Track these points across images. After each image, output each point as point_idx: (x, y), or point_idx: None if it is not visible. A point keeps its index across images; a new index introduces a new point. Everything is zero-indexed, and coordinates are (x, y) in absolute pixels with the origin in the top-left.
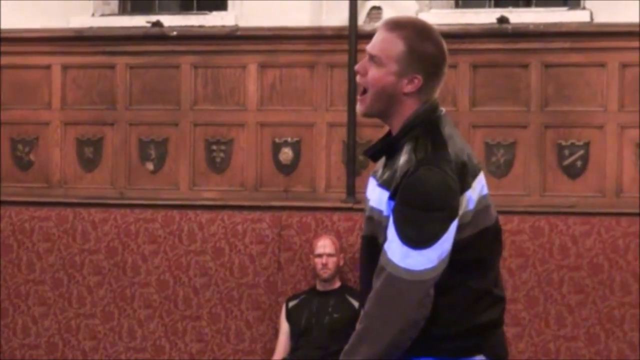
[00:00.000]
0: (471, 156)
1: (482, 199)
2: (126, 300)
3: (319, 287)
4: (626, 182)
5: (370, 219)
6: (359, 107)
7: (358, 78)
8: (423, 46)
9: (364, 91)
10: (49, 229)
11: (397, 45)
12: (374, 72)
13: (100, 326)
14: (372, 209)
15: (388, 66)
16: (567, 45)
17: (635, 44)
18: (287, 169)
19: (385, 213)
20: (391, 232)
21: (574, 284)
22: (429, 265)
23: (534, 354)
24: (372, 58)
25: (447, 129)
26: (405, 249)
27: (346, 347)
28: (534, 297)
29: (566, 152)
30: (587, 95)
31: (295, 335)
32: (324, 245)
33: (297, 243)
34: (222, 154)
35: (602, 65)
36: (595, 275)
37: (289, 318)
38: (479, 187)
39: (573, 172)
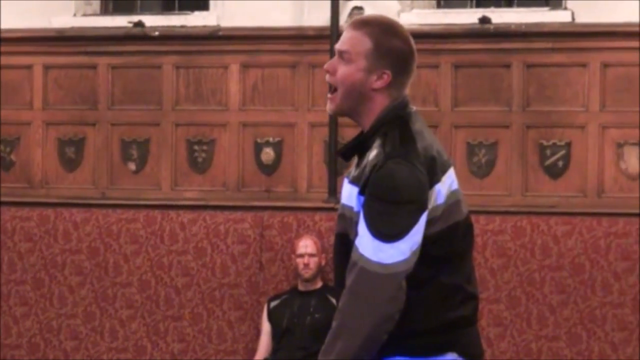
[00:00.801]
0: (441, 152)
1: (452, 193)
2: (108, 301)
3: (301, 287)
4: (607, 182)
5: (342, 216)
6: (329, 106)
7: (327, 77)
8: (390, 42)
9: (334, 90)
10: (31, 229)
11: (365, 42)
12: (343, 70)
13: (82, 326)
14: (344, 205)
15: (357, 62)
16: (548, 45)
17: (616, 44)
18: (268, 169)
19: (355, 209)
20: (362, 227)
21: (555, 284)
22: (401, 257)
23: (516, 354)
24: (341, 54)
25: (417, 125)
26: (377, 243)
27: (323, 346)
28: (515, 297)
29: (548, 152)
30: (568, 96)
31: (277, 335)
32: (306, 245)
33: (278, 243)
34: (203, 154)
35: (583, 65)
36: (576, 275)
37: (270, 318)
38: (449, 181)
39: (555, 172)
